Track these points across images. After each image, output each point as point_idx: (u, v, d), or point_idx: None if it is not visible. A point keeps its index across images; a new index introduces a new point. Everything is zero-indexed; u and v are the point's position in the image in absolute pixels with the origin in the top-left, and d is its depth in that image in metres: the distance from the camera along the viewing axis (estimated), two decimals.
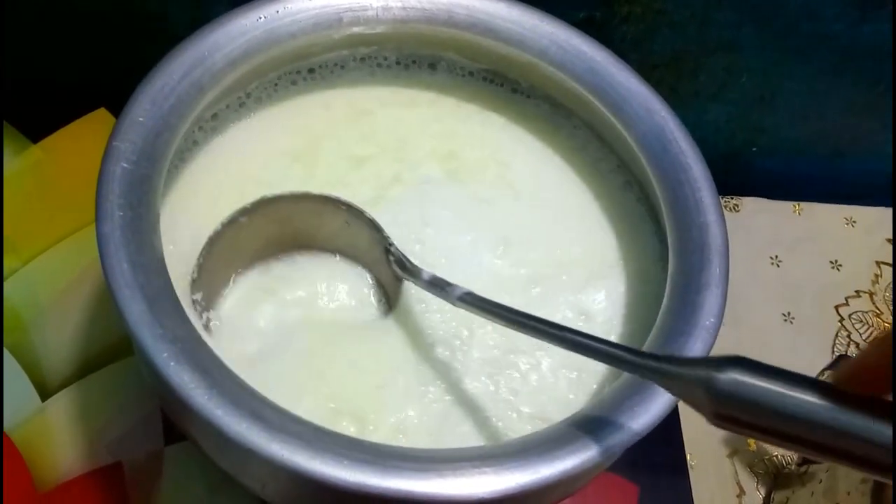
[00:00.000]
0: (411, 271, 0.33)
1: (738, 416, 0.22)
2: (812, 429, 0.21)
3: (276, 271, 0.36)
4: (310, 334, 0.34)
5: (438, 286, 0.32)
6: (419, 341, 0.34)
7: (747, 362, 0.22)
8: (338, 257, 0.36)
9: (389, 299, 0.36)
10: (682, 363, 0.24)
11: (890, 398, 0.21)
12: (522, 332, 0.29)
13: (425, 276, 0.33)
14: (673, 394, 0.25)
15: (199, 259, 0.33)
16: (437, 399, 0.33)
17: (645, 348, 0.31)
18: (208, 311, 0.33)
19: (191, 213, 0.34)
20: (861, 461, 0.21)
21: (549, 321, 0.28)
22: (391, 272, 0.34)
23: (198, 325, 0.30)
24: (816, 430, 0.21)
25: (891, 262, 0.56)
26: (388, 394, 0.32)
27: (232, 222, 0.33)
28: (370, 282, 0.36)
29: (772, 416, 0.21)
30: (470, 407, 0.33)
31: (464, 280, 0.32)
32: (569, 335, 0.27)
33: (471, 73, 0.40)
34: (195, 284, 0.32)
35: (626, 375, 0.30)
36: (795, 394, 0.21)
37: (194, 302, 0.32)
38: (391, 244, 0.34)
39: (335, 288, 0.36)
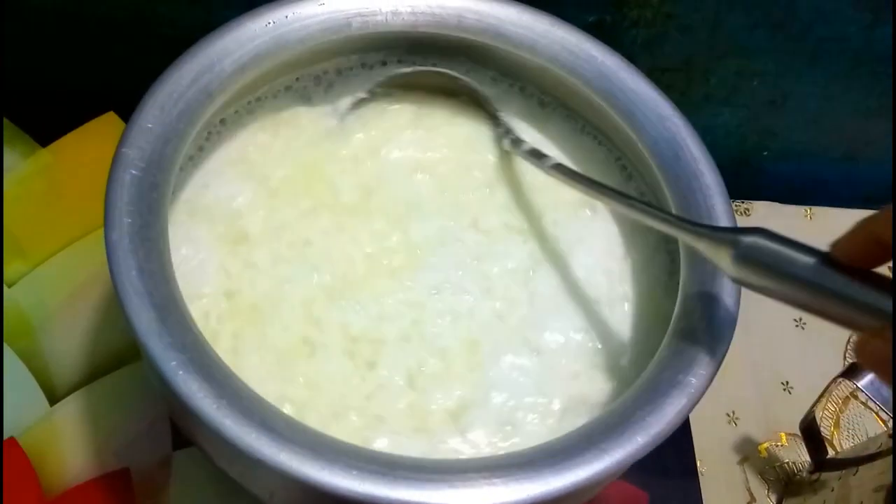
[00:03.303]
0: (515, 142, 0.38)
1: (756, 273, 0.26)
2: (816, 290, 0.25)
3: None
4: None
5: (535, 156, 0.36)
6: None
7: (767, 232, 0.26)
8: None
9: None
10: (713, 228, 0.29)
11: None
12: (599, 198, 0.34)
13: (525, 148, 0.37)
14: (701, 252, 0.29)
15: None
16: None
17: (656, 356, 0.31)
18: None
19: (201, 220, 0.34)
20: (852, 323, 0.25)
21: (622, 191, 0.34)
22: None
23: None
24: (819, 291, 0.25)
25: None
26: None
27: None
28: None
29: (783, 277, 0.25)
30: None
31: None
32: (634, 202, 0.32)
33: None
34: None
35: (638, 383, 0.30)
36: (806, 258, 0.25)
37: None
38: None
39: None
